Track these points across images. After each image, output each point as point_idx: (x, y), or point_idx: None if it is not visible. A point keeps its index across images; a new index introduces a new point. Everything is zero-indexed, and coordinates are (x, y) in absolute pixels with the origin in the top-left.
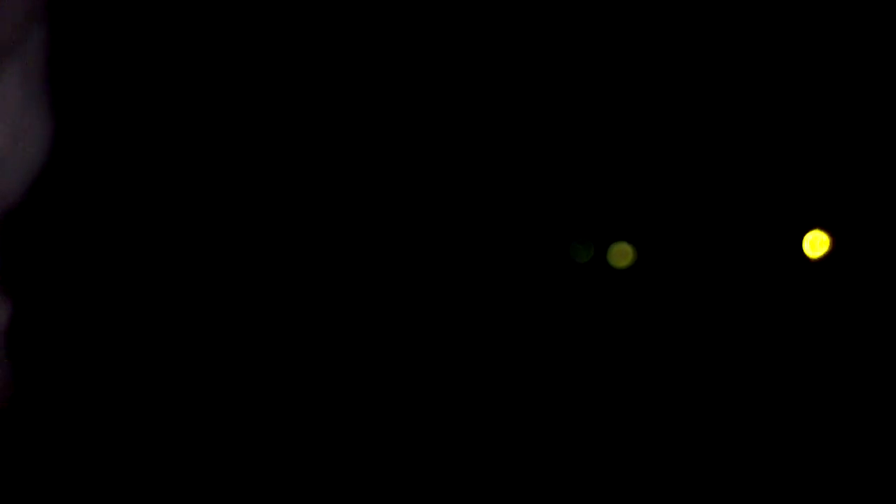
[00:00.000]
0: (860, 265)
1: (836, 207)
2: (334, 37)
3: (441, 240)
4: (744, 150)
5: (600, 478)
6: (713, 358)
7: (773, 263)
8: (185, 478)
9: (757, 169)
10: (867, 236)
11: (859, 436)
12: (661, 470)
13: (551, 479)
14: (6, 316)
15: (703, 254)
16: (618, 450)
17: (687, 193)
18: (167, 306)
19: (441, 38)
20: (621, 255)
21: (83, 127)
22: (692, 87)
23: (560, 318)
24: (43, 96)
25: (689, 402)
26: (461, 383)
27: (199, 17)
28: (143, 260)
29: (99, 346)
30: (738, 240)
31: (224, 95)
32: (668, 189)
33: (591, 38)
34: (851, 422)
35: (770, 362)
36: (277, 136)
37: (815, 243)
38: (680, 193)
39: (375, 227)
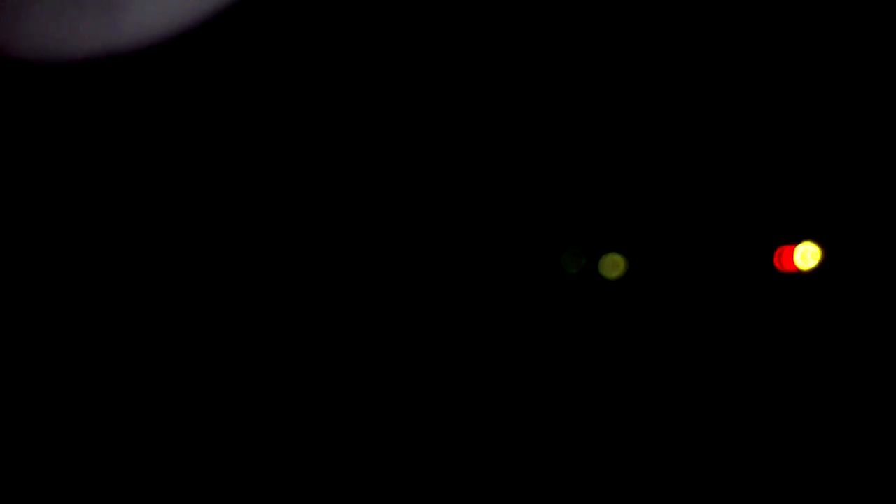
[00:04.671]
0: (853, 277)
1: (828, 218)
2: (331, 35)
3: (426, 250)
4: (736, 160)
5: (591, 489)
6: (706, 369)
7: (766, 275)
8: (182, 478)
9: (750, 179)
10: (860, 248)
11: (855, 451)
12: (654, 482)
13: (541, 490)
14: None
15: (696, 265)
16: (609, 461)
17: (679, 203)
18: (160, 305)
19: (424, 51)
20: (612, 265)
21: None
22: (682, 95)
23: (550, 330)
24: None
25: (681, 413)
26: (449, 393)
27: None
28: (130, 256)
29: (87, 344)
30: (731, 250)
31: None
32: (660, 199)
33: (579, 49)
34: (846, 438)
35: (764, 374)
36: (268, 131)
37: (807, 255)
38: (672, 203)
39: (362, 233)
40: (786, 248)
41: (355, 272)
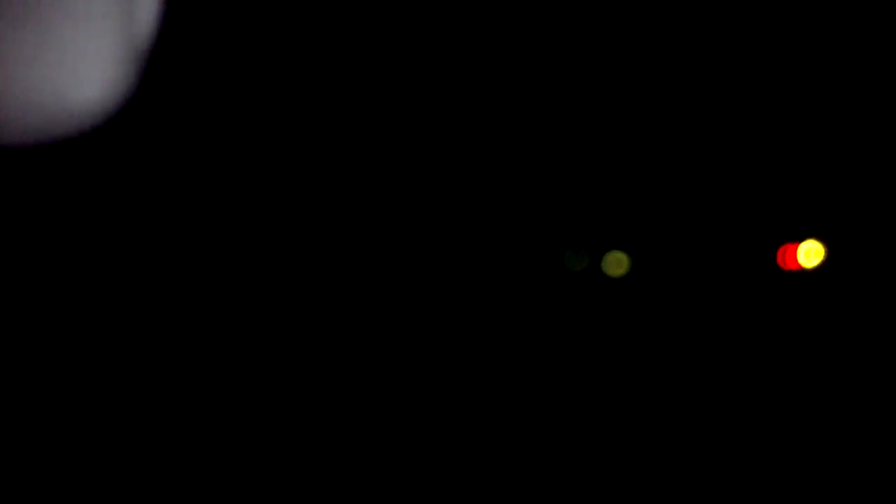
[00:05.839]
0: (856, 275)
1: (832, 216)
2: (331, 36)
3: (431, 248)
4: (739, 158)
5: (593, 484)
6: (708, 367)
7: (768, 273)
8: (181, 478)
9: (752, 177)
10: (863, 246)
11: (854, 450)
12: (655, 479)
13: (543, 486)
14: None
15: (699, 263)
16: (611, 457)
17: (683, 202)
18: (160, 305)
19: (430, 51)
20: (616, 263)
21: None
22: (685, 95)
23: (554, 327)
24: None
25: (684, 410)
26: (452, 391)
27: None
28: (128, 256)
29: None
30: (733, 248)
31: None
32: (664, 197)
33: (585, 49)
34: (845, 437)
35: (766, 372)
36: (269, 132)
37: (810, 253)
38: (676, 202)
39: (366, 232)
40: (789, 247)
41: (362, 270)
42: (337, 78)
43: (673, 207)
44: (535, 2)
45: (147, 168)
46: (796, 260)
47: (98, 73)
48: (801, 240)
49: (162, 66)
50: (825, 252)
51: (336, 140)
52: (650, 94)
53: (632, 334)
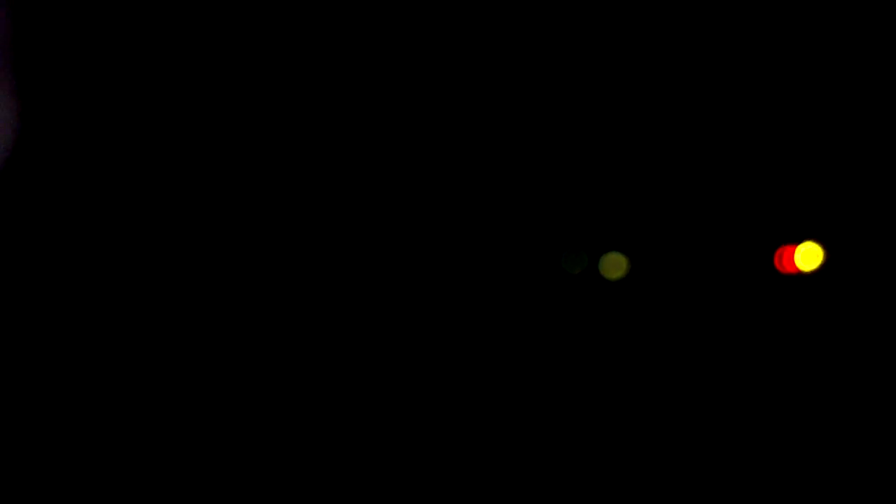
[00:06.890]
0: (855, 278)
1: (831, 219)
2: (332, 37)
3: (429, 250)
4: (738, 161)
5: (592, 484)
6: (706, 369)
7: (766, 274)
8: (181, 478)
9: (751, 180)
10: (862, 248)
11: (855, 449)
12: (654, 478)
13: (543, 486)
14: None
15: (697, 265)
16: (610, 457)
17: (681, 205)
18: (161, 305)
19: (431, 53)
20: (615, 265)
21: (56, 114)
22: (685, 99)
23: (553, 330)
24: (8, 79)
25: (682, 411)
26: (452, 392)
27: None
28: (127, 255)
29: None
30: (731, 251)
31: (210, 88)
32: (662, 201)
33: (584, 51)
34: (844, 437)
35: (764, 374)
36: (273, 135)
37: (809, 255)
38: (674, 205)
39: (368, 235)
40: (787, 249)
41: (357, 274)
42: (337, 79)
43: (671, 210)
44: (535, 2)
45: (147, 168)
46: (794, 263)
47: None
48: (799, 242)
49: (158, 64)
50: (824, 255)
51: (335, 141)
52: (649, 95)
53: (630, 336)
